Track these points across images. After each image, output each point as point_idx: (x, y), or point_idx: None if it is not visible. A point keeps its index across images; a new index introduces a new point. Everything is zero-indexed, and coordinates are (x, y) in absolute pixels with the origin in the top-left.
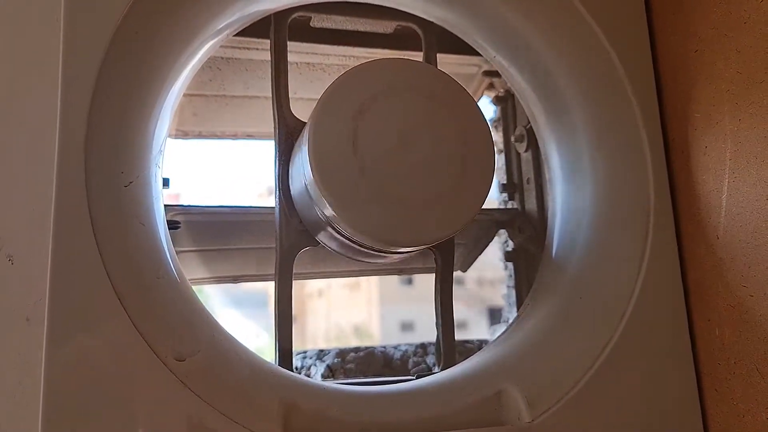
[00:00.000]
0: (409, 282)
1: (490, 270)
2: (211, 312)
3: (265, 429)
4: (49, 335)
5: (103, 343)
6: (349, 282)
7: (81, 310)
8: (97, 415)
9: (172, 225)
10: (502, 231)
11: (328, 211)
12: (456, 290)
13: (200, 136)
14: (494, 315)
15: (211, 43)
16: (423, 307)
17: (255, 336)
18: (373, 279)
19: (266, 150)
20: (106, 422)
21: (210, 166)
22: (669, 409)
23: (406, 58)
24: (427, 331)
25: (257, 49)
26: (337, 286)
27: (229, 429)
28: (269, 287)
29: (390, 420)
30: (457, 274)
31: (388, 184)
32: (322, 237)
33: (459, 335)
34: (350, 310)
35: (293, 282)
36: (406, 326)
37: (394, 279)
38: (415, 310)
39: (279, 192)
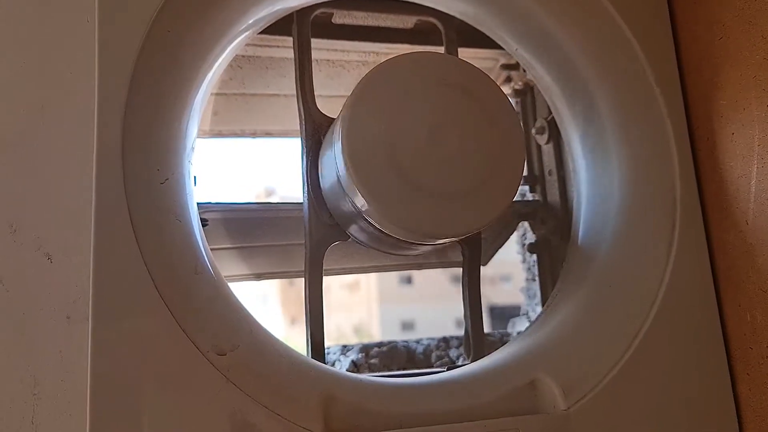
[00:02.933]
0: (409, 281)
1: (489, 268)
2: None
3: (305, 421)
4: (94, 331)
5: (146, 338)
6: (348, 282)
7: (123, 306)
8: (143, 410)
9: (201, 222)
10: (519, 224)
11: (361, 203)
12: (455, 289)
13: (220, 134)
14: (495, 313)
15: (238, 40)
16: (422, 305)
17: None
18: (372, 279)
19: (263, 150)
20: (152, 416)
21: (208, 166)
22: (702, 394)
23: (434, 51)
24: (428, 330)
25: (278, 46)
26: (336, 286)
27: (271, 421)
28: (269, 289)
29: (427, 410)
30: (454, 272)
31: (421, 177)
32: (352, 230)
33: (459, 334)
34: (350, 310)
35: (289, 282)
36: (407, 325)
37: (393, 279)
38: (415, 309)
39: (307, 187)
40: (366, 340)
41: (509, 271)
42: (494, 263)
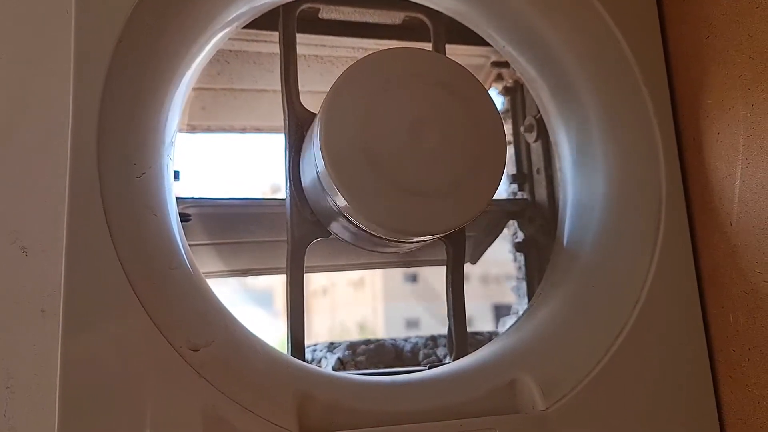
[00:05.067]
0: (414, 279)
1: (495, 267)
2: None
3: (279, 419)
4: (65, 326)
5: (118, 333)
6: (353, 280)
7: (96, 301)
8: (113, 405)
9: (183, 217)
10: (510, 223)
11: (341, 201)
12: None
13: (209, 130)
14: (500, 312)
15: (220, 35)
16: (428, 304)
17: (261, 332)
18: (378, 277)
19: (269, 146)
20: (122, 412)
21: (212, 162)
22: (683, 396)
23: (416, 47)
24: (432, 328)
25: (266, 41)
26: (341, 284)
27: (244, 418)
28: (275, 285)
29: (404, 409)
30: None
31: (400, 174)
32: (333, 228)
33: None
34: (355, 307)
35: None
36: (411, 323)
37: (398, 276)
38: (420, 307)
39: (290, 183)
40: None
41: (513, 269)
42: (498, 262)
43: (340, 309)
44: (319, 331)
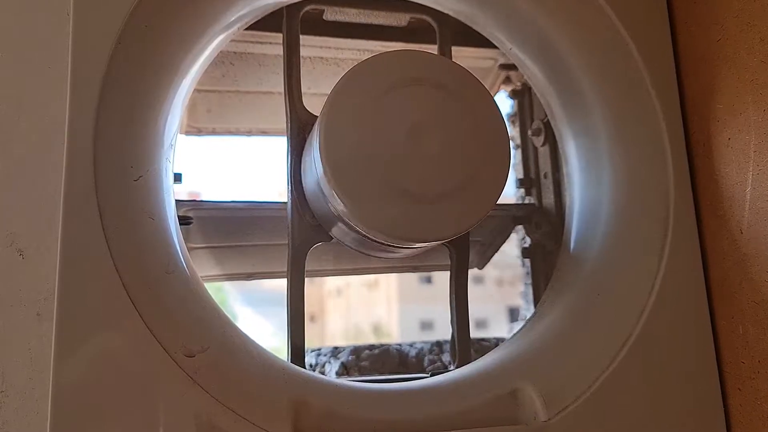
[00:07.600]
0: (429, 280)
1: (509, 269)
2: (226, 310)
3: (274, 426)
4: (59, 330)
5: (112, 339)
6: (367, 281)
7: (90, 305)
8: (105, 411)
9: (185, 221)
10: (519, 227)
11: (340, 207)
12: (475, 289)
13: (214, 132)
14: (514, 314)
15: (221, 36)
16: (443, 305)
17: (271, 335)
18: (392, 278)
19: (277, 148)
20: (114, 418)
21: (228, 163)
22: (690, 409)
23: (419, 50)
24: (447, 330)
25: (270, 43)
26: (355, 284)
27: (238, 426)
28: (284, 286)
29: (403, 418)
30: (476, 272)
31: (401, 179)
32: (334, 232)
33: (479, 334)
34: (369, 308)
35: (311, 280)
36: (426, 325)
37: (413, 277)
38: (435, 309)
39: (291, 187)
40: (385, 339)
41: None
42: (513, 264)
43: (354, 310)
44: (334, 332)
